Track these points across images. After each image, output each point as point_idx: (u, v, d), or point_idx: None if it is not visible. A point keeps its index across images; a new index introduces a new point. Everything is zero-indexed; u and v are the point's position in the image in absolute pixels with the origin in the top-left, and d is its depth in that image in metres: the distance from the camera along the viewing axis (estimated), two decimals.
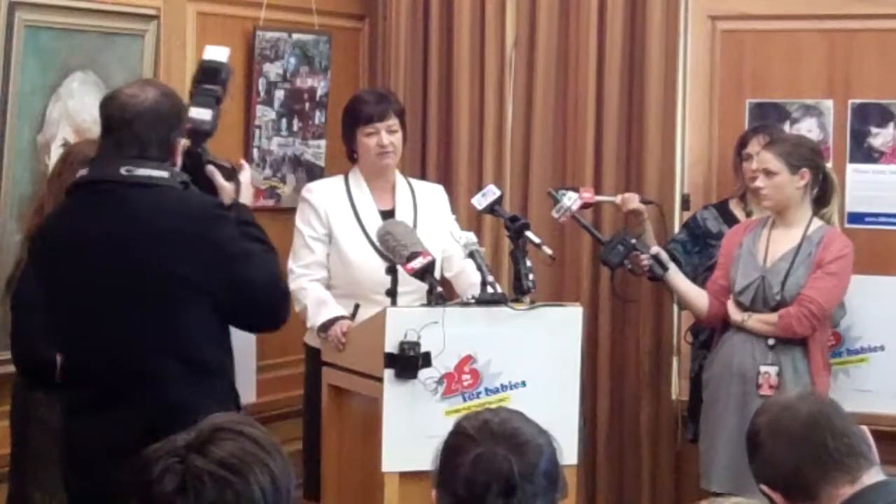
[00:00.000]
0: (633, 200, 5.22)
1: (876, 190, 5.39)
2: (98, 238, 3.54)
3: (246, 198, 3.86)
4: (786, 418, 2.60)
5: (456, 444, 2.37)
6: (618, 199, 5.26)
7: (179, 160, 3.67)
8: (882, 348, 5.25)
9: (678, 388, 5.60)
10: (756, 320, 4.76)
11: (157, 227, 3.52)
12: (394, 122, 4.72)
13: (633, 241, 4.95)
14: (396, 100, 4.92)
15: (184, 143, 3.72)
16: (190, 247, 3.53)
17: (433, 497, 2.38)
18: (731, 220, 5.20)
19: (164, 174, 3.56)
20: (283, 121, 5.36)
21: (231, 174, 3.83)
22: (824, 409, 2.63)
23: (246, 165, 3.97)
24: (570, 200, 5.00)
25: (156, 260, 3.51)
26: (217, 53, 3.96)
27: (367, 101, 4.77)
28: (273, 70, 5.29)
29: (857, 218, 5.37)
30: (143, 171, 3.54)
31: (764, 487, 2.59)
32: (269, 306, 3.72)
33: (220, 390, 3.61)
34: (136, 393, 3.52)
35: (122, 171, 3.54)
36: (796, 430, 2.57)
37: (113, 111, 3.60)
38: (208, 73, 3.89)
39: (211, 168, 3.79)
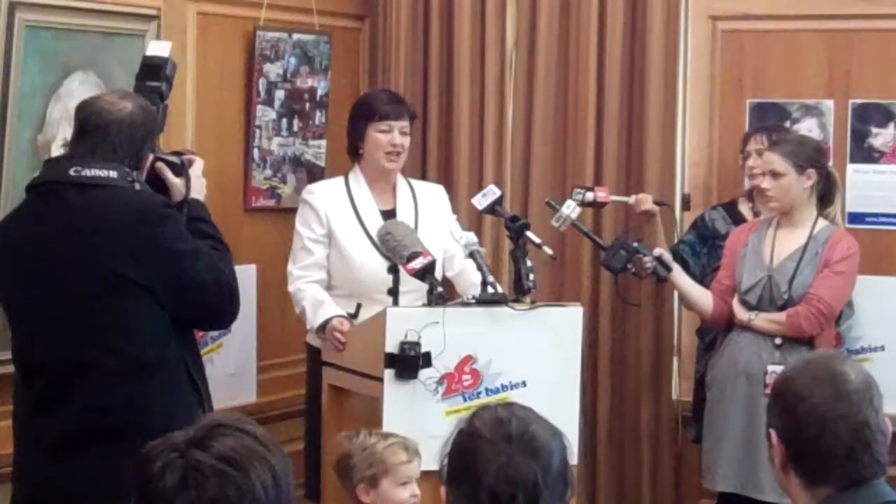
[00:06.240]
0: (646, 201, 5.21)
1: (876, 190, 5.39)
2: (41, 238, 3.56)
3: (198, 192, 3.83)
4: (813, 395, 2.47)
5: (472, 447, 2.31)
6: (632, 199, 5.25)
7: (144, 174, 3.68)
8: (882, 348, 5.24)
9: (678, 389, 5.60)
10: (763, 319, 4.75)
11: (97, 225, 3.52)
12: (406, 124, 4.73)
13: (635, 244, 4.94)
14: (411, 105, 4.92)
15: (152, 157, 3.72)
16: (130, 245, 3.52)
17: (443, 494, 2.35)
18: (739, 221, 5.18)
19: (113, 174, 3.55)
20: (284, 121, 5.35)
21: (180, 170, 3.79)
22: (846, 403, 2.46)
23: (197, 159, 3.91)
24: (569, 209, 4.97)
25: (95, 258, 3.51)
26: (159, 48, 3.93)
27: (383, 99, 4.78)
28: (273, 70, 5.28)
29: (857, 218, 5.37)
30: (91, 172, 3.54)
31: (772, 432, 2.52)
32: (214, 304, 3.70)
33: (172, 385, 3.60)
34: (76, 389, 3.52)
35: (71, 171, 3.55)
36: (812, 418, 2.45)
37: (90, 115, 3.60)
38: (150, 70, 3.86)
39: (159, 165, 3.77)
